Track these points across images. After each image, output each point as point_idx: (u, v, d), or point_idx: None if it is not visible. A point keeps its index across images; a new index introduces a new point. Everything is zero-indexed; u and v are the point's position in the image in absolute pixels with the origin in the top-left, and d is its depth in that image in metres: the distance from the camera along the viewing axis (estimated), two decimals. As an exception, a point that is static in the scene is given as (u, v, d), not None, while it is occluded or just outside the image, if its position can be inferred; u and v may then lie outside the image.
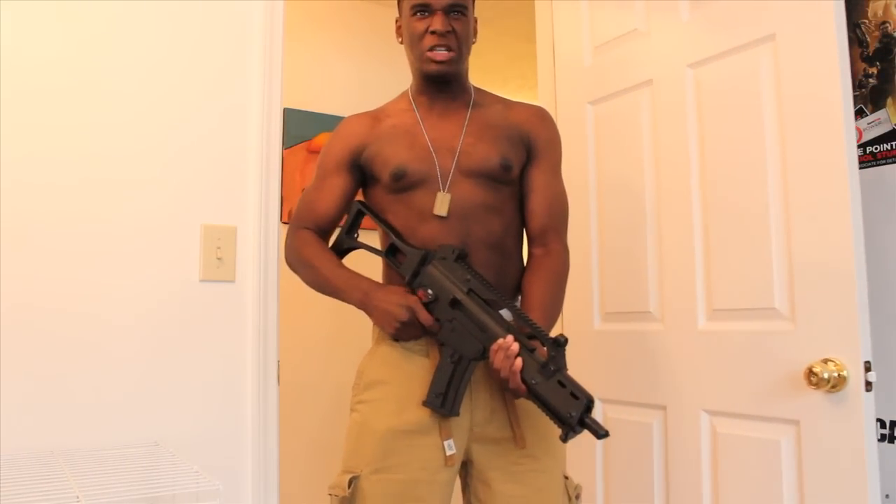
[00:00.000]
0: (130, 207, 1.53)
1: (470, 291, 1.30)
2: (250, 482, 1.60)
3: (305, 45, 2.99)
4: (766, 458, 1.46)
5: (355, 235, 1.48)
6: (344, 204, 1.49)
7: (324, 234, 1.51)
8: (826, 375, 1.32)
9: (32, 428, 1.40)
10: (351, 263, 1.51)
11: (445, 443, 1.31)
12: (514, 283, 1.42)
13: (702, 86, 1.65)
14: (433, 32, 1.39)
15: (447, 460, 1.31)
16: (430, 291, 1.32)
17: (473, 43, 1.49)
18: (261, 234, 1.66)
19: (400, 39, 1.49)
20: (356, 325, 2.97)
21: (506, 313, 1.32)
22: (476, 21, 1.49)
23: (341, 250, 1.50)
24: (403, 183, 1.40)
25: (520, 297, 1.42)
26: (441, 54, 1.40)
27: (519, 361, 1.20)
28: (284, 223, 2.85)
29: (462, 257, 1.33)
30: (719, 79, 1.61)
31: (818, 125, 1.40)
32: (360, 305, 1.39)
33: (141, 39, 1.57)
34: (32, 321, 1.43)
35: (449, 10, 1.40)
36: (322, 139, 2.99)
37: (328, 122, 3.01)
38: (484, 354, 1.27)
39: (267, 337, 1.64)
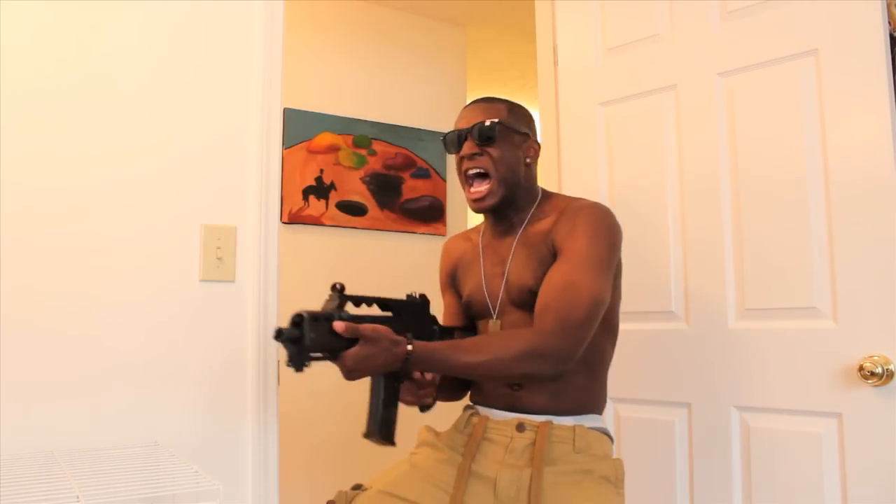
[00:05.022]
0: (130, 207, 1.53)
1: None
2: (250, 482, 1.60)
3: (305, 45, 2.99)
4: (805, 451, 1.54)
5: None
6: (460, 317, 1.55)
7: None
8: (878, 370, 1.42)
9: (32, 428, 1.40)
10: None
11: None
12: (573, 401, 1.36)
13: (734, 94, 1.72)
14: (463, 158, 1.42)
15: None
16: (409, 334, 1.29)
17: (528, 163, 1.44)
18: (261, 234, 1.66)
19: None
20: (356, 326, 2.97)
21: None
22: (532, 141, 1.46)
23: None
24: (470, 313, 1.49)
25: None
26: (475, 192, 1.41)
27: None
28: (284, 223, 2.87)
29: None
30: (754, 88, 1.69)
31: (863, 135, 1.52)
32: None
33: (141, 40, 1.57)
34: (32, 321, 1.42)
35: (475, 137, 1.40)
36: (322, 139, 2.99)
37: (328, 122, 3.01)
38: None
39: (267, 337, 1.64)
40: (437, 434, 1.46)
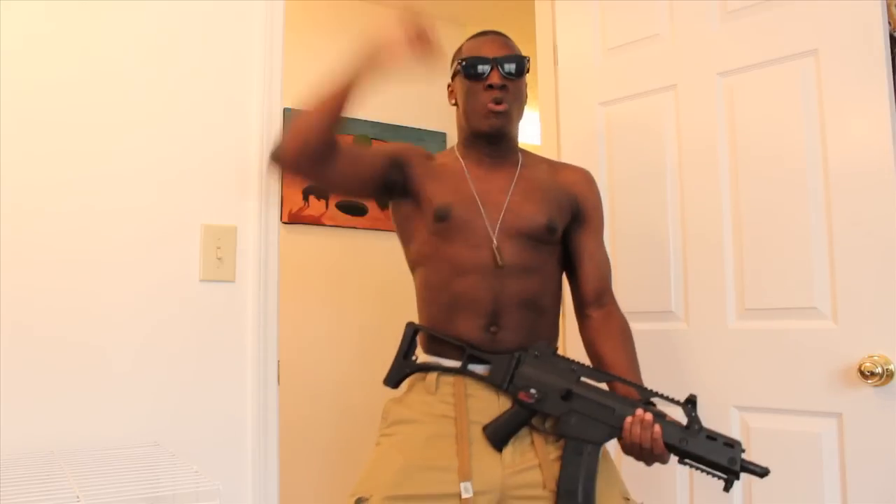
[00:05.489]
0: (130, 207, 1.53)
1: (579, 380, 1.29)
2: (250, 482, 1.60)
3: (305, 45, 2.99)
4: (805, 451, 1.55)
5: (414, 358, 1.40)
6: (369, 171, 1.40)
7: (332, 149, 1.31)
8: (878, 370, 1.43)
9: (32, 428, 1.40)
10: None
11: (462, 485, 1.27)
12: (548, 338, 1.41)
13: (734, 94, 1.73)
14: (490, 87, 1.39)
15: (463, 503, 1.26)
16: (533, 391, 1.29)
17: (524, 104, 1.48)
18: (261, 234, 1.66)
19: (453, 101, 1.49)
20: (356, 325, 2.98)
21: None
22: (527, 86, 1.49)
23: (401, 378, 1.40)
24: (446, 225, 1.38)
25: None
26: (500, 107, 1.39)
27: (658, 428, 1.22)
28: (284, 223, 2.87)
29: (554, 352, 1.32)
30: (754, 88, 1.69)
31: (863, 135, 1.51)
32: (361, 66, 1.31)
33: (141, 39, 1.57)
34: (32, 321, 1.42)
35: (505, 69, 1.40)
36: (322, 139, 2.99)
37: (328, 122, 3.01)
38: (612, 435, 1.26)
39: (267, 337, 1.64)
40: (407, 404, 1.38)
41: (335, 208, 3.00)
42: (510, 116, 1.42)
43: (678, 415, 1.34)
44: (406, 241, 1.49)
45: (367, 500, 1.26)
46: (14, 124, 1.44)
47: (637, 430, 1.23)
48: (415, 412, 1.36)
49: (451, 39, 3.56)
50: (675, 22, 1.85)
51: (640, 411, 1.24)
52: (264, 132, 1.68)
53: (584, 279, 1.47)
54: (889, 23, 1.58)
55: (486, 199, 1.41)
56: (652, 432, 1.21)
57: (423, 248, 1.43)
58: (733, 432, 1.67)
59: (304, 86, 3.03)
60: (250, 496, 1.59)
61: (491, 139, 1.44)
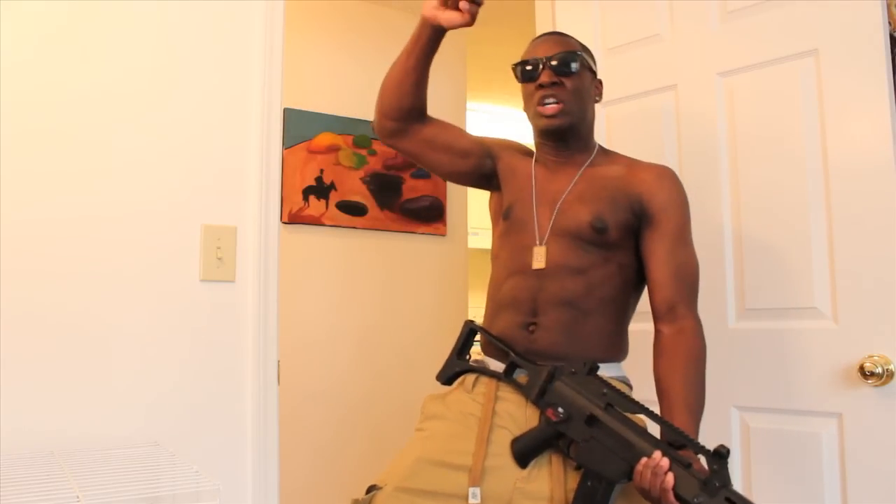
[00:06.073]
0: (130, 207, 1.53)
1: (608, 406, 1.19)
2: (250, 482, 1.60)
3: (306, 45, 2.99)
4: (805, 451, 1.55)
5: (467, 357, 1.39)
6: (465, 144, 1.49)
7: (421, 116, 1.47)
8: (879, 370, 1.43)
9: (32, 428, 1.40)
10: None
11: (471, 490, 1.25)
12: (591, 345, 1.34)
13: (734, 94, 1.73)
14: (541, 86, 1.39)
15: None
16: (560, 410, 1.21)
17: (597, 101, 1.48)
18: (261, 234, 1.66)
19: (524, 105, 1.48)
20: (356, 325, 2.98)
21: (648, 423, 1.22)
22: (597, 80, 1.49)
23: (451, 375, 1.39)
24: (508, 224, 1.43)
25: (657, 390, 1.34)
26: (550, 108, 1.38)
27: (670, 477, 1.10)
28: (284, 223, 2.87)
29: (594, 370, 1.24)
30: (754, 88, 1.69)
31: (863, 135, 1.51)
32: (424, 21, 1.37)
33: (141, 39, 1.57)
34: (32, 321, 1.42)
35: (555, 67, 1.39)
36: (322, 139, 2.99)
37: (328, 122, 3.01)
38: (630, 475, 1.15)
39: (267, 337, 1.64)
40: (444, 401, 1.38)
41: (335, 208, 3.00)
42: (567, 114, 1.39)
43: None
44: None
45: (380, 488, 1.29)
46: (14, 125, 1.44)
47: (648, 474, 1.12)
48: (448, 409, 1.37)
49: (453, 39, 3.56)
50: (675, 22, 1.85)
51: (657, 455, 1.12)
52: (264, 132, 1.68)
53: (653, 288, 1.38)
54: (889, 23, 1.58)
55: (541, 200, 1.42)
56: (662, 481, 1.10)
57: (492, 248, 1.49)
58: (733, 432, 1.66)
59: (304, 86, 3.03)
60: (250, 496, 1.59)
61: (552, 138, 1.43)
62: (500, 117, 4.89)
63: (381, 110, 1.46)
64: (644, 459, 1.13)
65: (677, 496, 1.09)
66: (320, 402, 2.88)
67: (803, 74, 1.61)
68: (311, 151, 2.97)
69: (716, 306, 1.71)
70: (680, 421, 1.22)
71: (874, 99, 1.49)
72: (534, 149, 1.52)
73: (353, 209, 3.04)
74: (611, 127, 1.97)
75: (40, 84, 1.47)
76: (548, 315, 1.34)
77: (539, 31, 2.20)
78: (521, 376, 1.32)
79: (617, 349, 1.39)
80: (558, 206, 1.40)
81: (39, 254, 1.44)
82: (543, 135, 1.44)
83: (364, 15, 3.13)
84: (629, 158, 1.48)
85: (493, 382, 1.34)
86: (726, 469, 1.08)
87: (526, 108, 1.46)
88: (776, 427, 1.60)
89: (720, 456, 1.08)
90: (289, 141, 2.89)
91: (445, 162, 1.49)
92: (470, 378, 1.38)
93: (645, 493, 1.14)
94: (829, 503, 1.51)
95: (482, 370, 1.37)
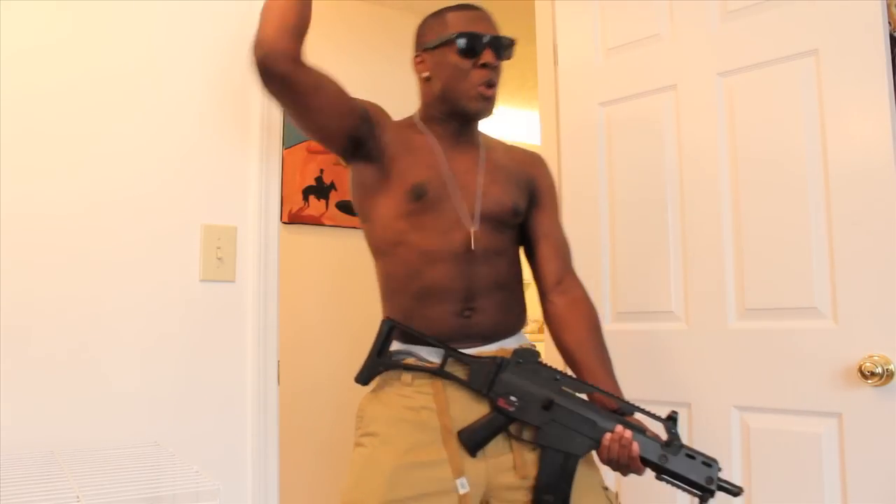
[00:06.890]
0: (130, 207, 1.53)
1: (561, 389, 1.28)
2: (250, 482, 1.60)
3: (307, 45, 2.99)
4: (805, 451, 1.56)
5: (389, 355, 1.37)
6: (346, 105, 1.33)
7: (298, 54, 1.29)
8: (879, 370, 1.43)
9: (32, 428, 1.40)
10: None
11: (458, 481, 1.24)
12: (516, 320, 1.41)
13: (734, 94, 1.73)
14: (484, 66, 1.34)
15: (461, 500, 1.23)
16: (513, 398, 1.27)
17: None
18: (261, 234, 1.66)
19: (425, 74, 1.41)
20: (356, 325, 2.98)
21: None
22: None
23: (374, 376, 1.35)
24: (420, 205, 1.33)
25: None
26: (492, 91, 1.36)
27: (635, 446, 1.23)
28: (284, 223, 2.87)
29: (536, 357, 1.31)
30: (754, 88, 1.69)
31: (863, 135, 1.51)
32: None
33: (141, 39, 1.57)
34: (32, 320, 1.42)
35: (498, 49, 1.36)
36: (322, 139, 2.99)
37: (328, 122, 3.01)
38: (592, 448, 1.27)
39: (267, 337, 1.64)
40: (384, 402, 1.32)
41: (335, 208, 3.00)
42: (495, 100, 1.39)
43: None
44: (365, 217, 1.43)
45: None
46: (14, 125, 1.44)
47: (616, 447, 1.23)
48: (393, 408, 1.31)
49: (451, 39, 3.56)
50: (675, 22, 1.85)
51: (619, 428, 1.23)
52: (264, 133, 1.68)
53: (543, 260, 1.46)
54: (889, 23, 1.58)
55: (457, 181, 1.36)
56: (630, 451, 1.23)
57: (386, 232, 1.37)
58: (733, 432, 1.67)
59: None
60: (250, 496, 1.59)
61: (471, 120, 1.41)
62: (500, 117, 4.89)
63: (283, 26, 1.26)
64: (608, 434, 1.24)
65: (643, 460, 1.23)
66: (320, 401, 2.88)
67: (803, 74, 1.61)
68: (311, 151, 2.97)
69: (716, 306, 1.72)
70: (607, 386, 1.34)
71: (874, 99, 1.50)
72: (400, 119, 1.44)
73: (353, 209, 3.04)
74: (611, 127, 1.97)
75: (39, 85, 1.47)
76: (485, 298, 1.33)
77: (539, 31, 2.20)
78: (456, 368, 1.30)
79: (525, 319, 1.46)
80: (480, 189, 1.37)
81: (40, 253, 1.44)
82: (463, 115, 1.38)
83: (364, 16, 3.13)
84: (501, 140, 1.52)
85: (434, 376, 1.30)
86: (677, 430, 1.25)
87: (452, 84, 1.35)
88: (776, 427, 1.60)
89: (674, 420, 1.24)
90: (289, 141, 2.89)
91: (328, 111, 1.32)
92: (406, 376, 1.32)
93: (613, 463, 1.25)
94: (829, 503, 1.51)
95: (415, 367, 1.31)
